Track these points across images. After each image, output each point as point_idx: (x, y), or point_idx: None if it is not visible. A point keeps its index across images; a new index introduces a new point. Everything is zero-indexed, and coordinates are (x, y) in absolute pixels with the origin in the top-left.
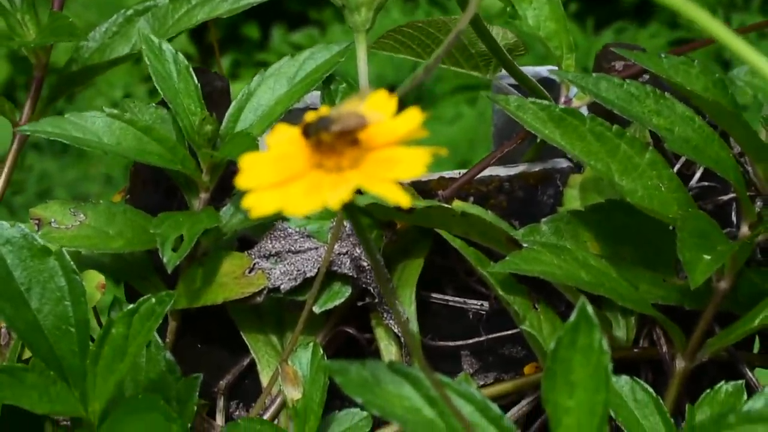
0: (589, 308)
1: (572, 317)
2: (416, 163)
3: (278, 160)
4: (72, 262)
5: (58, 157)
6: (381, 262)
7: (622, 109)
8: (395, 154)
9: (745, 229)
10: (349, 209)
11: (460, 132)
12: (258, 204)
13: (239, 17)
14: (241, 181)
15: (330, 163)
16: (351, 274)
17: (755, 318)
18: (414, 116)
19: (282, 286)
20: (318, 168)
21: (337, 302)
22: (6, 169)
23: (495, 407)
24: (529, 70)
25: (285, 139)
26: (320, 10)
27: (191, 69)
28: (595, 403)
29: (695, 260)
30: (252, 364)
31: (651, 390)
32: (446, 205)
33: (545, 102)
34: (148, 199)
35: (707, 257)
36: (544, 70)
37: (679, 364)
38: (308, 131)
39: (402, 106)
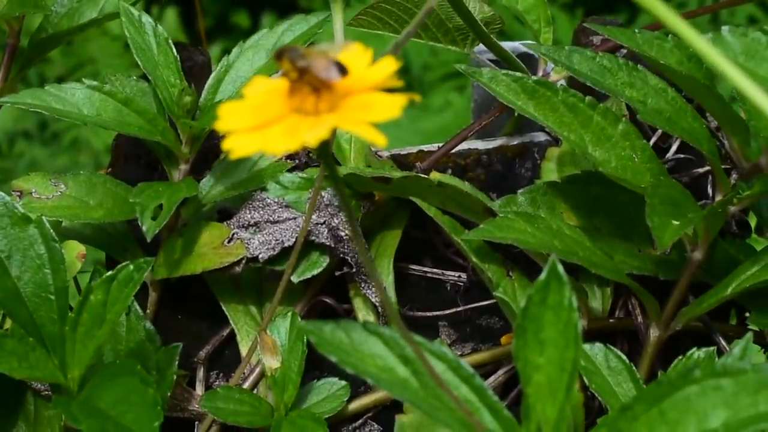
0: (560, 267)
1: (542, 275)
2: (392, 106)
3: (256, 107)
4: (52, 231)
5: (48, 145)
6: (359, 229)
7: (595, 81)
8: (371, 98)
9: (719, 200)
10: (325, 149)
11: (449, 120)
12: (238, 146)
13: (229, 6)
14: (220, 126)
15: (308, 105)
16: (329, 243)
17: (728, 286)
18: (388, 65)
19: (260, 256)
20: (296, 112)
21: (315, 272)
22: None
23: (467, 366)
24: (508, 45)
25: (262, 89)
26: None
27: (170, 41)
28: (565, 359)
29: (664, 225)
30: (231, 335)
31: (624, 357)
32: (423, 176)
33: (518, 74)
34: (129, 173)
35: (676, 223)
36: (521, 46)
37: (654, 333)
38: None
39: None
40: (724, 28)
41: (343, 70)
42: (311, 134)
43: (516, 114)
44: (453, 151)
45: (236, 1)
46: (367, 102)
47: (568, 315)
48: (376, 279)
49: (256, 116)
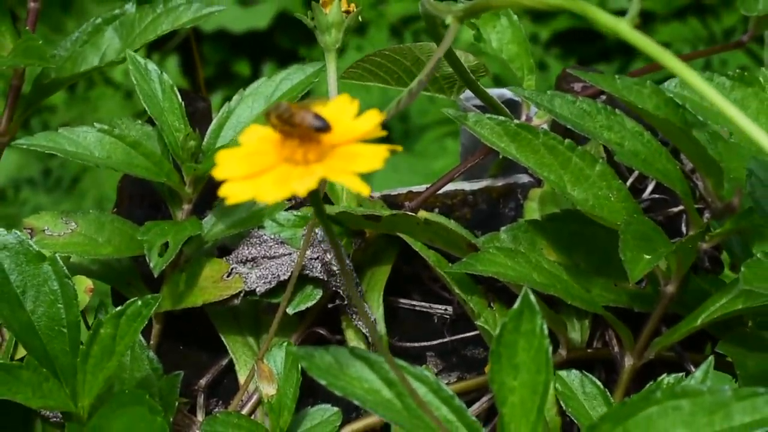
0: (532, 297)
1: (516, 305)
2: (375, 157)
3: (250, 155)
4: (64, 267)
5: (51, 192)
6: (349, 264)
7: (575, 124)
8: (356, 149)
9: (689, 236)
10: (315, 197)
11: (444, 163)
12: (233, 192)
13: (230, 54)
14: (217, 173)
15: (298, 156)
16: (322, 277)
17: (698, 317)
18: (373, 117)
19: (258, 289)
20: (287, 162)
21: (309, 304)
22: None
23: (447, 388)
24: (494, 92)
25: (257, 137)
26: (310, 48)
27: (175, 88)
28: (537, 383)
29: (636, 259)
30: (230, 364)
31: (599, 383)
32: (411, 214)
33: (501, 118)
34: (133, 212)
35: (647, 257)
36: (507, 92)
37: (628, 361)
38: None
39: (389, 140)
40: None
41: (325, 126)
42: (300, 184)
43: (500, 156)
44: (441, 191)
45: (237, 49)
46: (352, 153)
47: (540, 341)
48: (362, 309)
49: (250, 164)
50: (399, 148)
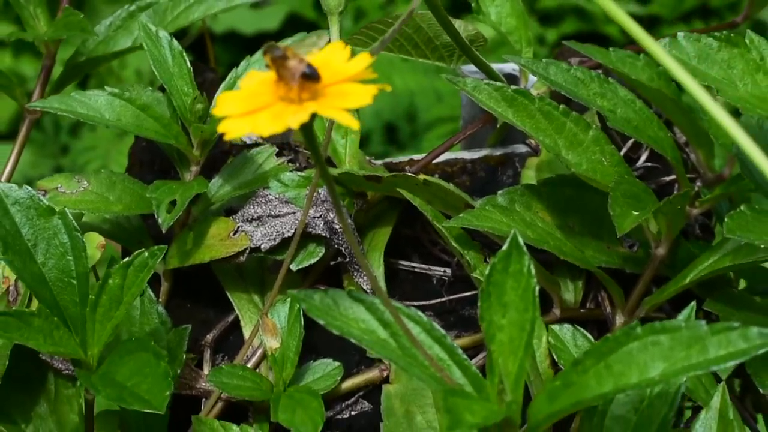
0: (520, 239)
1: (505, 246)
2: (364, 95)
3: (249, 95)
4: (74, 221)
5: None
6: (351, 223)
7: (569, 91)
8: (347, 88)
9: (676, 194)
10: (307, 131)
11: (447, 109)
12: (231, 128)
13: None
14: (216, 111)
15: (292, 95)
16: (325, 234)
17: (687, 276)
18: (363, 59)
19: (263, 246)
20: (282, 101)
21: (312, 261)
22: (17, 147)
23: (439, 328)
24: (495, 66)
25: (256, 81)
26: None
27: (185, 54)
28: (525, 320)
29: (624, 214)
30: (236, 321)
31: (590, 336)
32: (411, 175)
33: (499, 84)
34: (144, 178)
35: (635, 213)
36: (507, 67)
37: (619, 320)
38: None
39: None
40: (680, 34)
41: (314, 74)
42: (294, 119)
43: (498, 126)
44: (441, 160)
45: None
46: (343, 91)
47: (527, 281)
48: (362, 260)
49: (248, 104)
50: (388, 87)
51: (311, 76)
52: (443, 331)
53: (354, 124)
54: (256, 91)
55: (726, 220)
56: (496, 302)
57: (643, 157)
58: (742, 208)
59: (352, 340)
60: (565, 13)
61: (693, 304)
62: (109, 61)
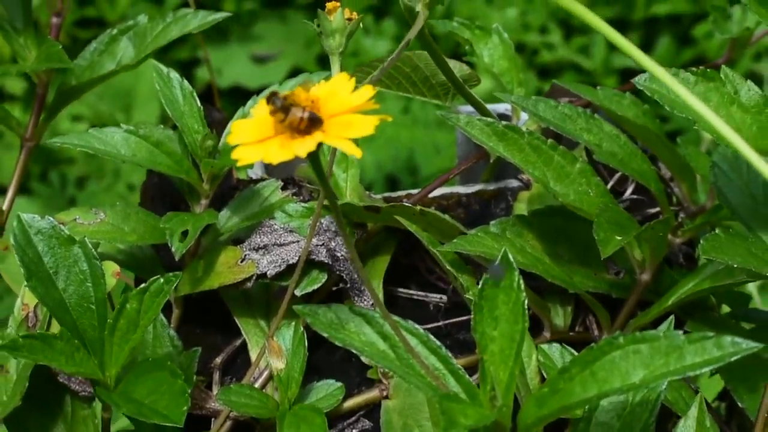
0: (510, 256)
1: (496, 262)
2: (367, 125)
3: (260, 124)
4: (93, 250)
5: None
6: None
7: (557, 126)
8: (351, 119)
9: (657, 220)
10: (314, 159)
11: (446, 161)
12: (244, 155)
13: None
14: (230, 139)
15: (301, 125)
16: (327, 261)
17: (669, 298)
18: (366, 92)
19: (268, 273)
20: (290, 130)
21: (316, 286)
22: (16, 175)
23: (435, 340)
24: (489, 106)
25: (265, 110)
26: None
27: (194, 94)
28: (515, 332)
29: (608, 239)
30: (243, 345)
31: (576, 354)
32: (408, 205)
33: (490, 119)
34: (156, 211)
35: (618, 238)
36: (500, 107)
37: None
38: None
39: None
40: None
41: (315, 120)
42: (301, 147)
43: (491, 162)
44: (437, 194)
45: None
46: (347, 122)
47: (517, 295)
48: (364, 277)
49: (260, 132)
50: (389, 118)
51: (314, 121)
52: (438, 342)
53: (357, 153)
54: (267, 120)
55: (701, 242)
56: (488, 315)
57: (629, 190)
58: (716, 231)
59: (354, 351)
60: (564, 67)
61: (672, 317)
62: (96, 84)
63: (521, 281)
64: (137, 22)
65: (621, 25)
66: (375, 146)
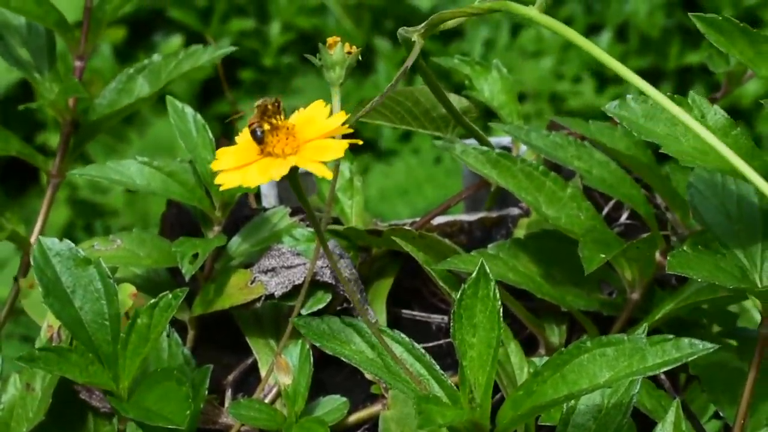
0: (487, 268)
1: (473, 274)
2: (338, 149)
3: (242, 151)
4: (107, 269)
5: None
6: (354, 272)
7: (548, 154)
8: (324, 143)
9: (641, 237)
10: (292, 180)
11: (441, 172)
12: (225, 180)
13: None
14: (214, 165)
15: (277, 150)
16: (331, 282)
17: (656, 315)
18: (339, 117)
19: (276, 293)
20: (268, 156)
21: (321, 306)
22: (44, 207)
23: (419, 347)
24: (491, 139)
25: (248, 137)
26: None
27: (207, 127)
28: (492, 338)
29: (592, 256)
30: (254, 364)
31: None
32: (408, 228)
33: (484, 148)
34: (174, 238)
35: (602, 255)
36: (504, 140)
37: None
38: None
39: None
40: (629, 96)
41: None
42: (277, 171)
43: (492, 191)
44: (442, 222)
45: None
46: (321, 146)
47: (493, 303)
48: (363, 302)
49: (241, 158)
50: (359, 142)
51: (255, 137)
52: (423, 350)
53: (328, 175)
54: (248, 147)
55: (668, 258)
56: (467, 323)
57: (624, 216)
58: (684, 247)
59: (344, 359)
60: (593, 115)
61: (645, 324)
62: (116, 120)
63: (497, 291)
64: (152, 61)
65: (654, 75)
66: (384, 177)
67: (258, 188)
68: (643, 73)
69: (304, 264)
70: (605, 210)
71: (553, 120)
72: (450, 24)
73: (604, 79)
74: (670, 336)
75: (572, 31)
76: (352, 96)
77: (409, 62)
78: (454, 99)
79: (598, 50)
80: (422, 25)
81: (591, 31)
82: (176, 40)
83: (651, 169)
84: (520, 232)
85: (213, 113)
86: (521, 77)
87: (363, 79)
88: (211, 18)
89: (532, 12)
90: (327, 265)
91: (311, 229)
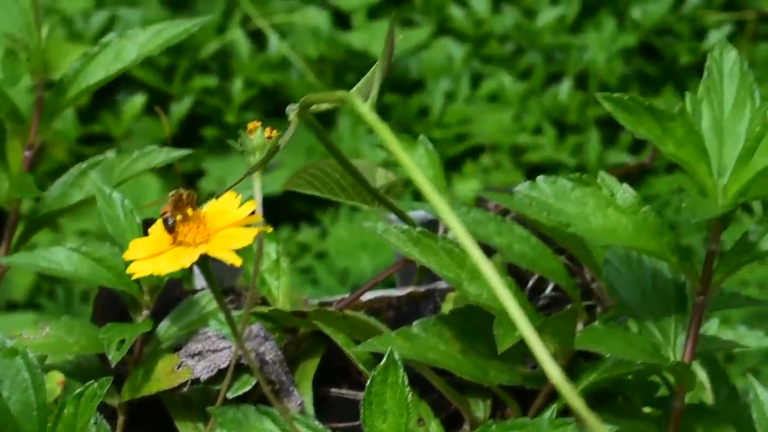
0: (396, 354)
1: (383, 361)
2: (246, 237)
3: (155, 241)
4: (35, 359)
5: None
6: (279, 354)
7: (468, 230)
8: (234, 232)
9: (556, 314)
10: (203, 268)
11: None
12: (137, 269)
13: None
14: (126, 255)
15: (189, 239)
16: (256, 365)
17: (579, 385)
18: (249, 207)
19: (202, 378)
20: (180, 245)
21: (246, 389)
22: None
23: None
24: (416, 213)
25: (161, 228)
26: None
27: (135, 212)
28: (401, 424)
29: (506, 334)
30: None
31: None
32: (332, 310)
33: (405, 226)
34: (105, 323)
35: (516, 333)
36: (429, 215)
37: None
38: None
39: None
40: (539, 177)
41: (167, 225)
42: (187, 259)
43: (419, 266)
44: (372, 298)
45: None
46: (230, 234)
47: (402, 390)
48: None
49: (153, 248)
50: (269, 229)
51: (167, 226)
52: None
53: (237, 261)
54: (161, 237)
55: (578, 334)
56: (377, 409)
57: (549, 288)
58: (595, 324)
59: None
60: (554, 167)
61: (554, 406)
62: (64, 214)
63: (406, 378)
64: (105, 158)
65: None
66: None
67: (191, 270)
68: (603, 122)
69: (230, 347)
70: (531, 282)
71: (480, 195)
72: (322, 107)
73: (564, 128)
74: (570, 419)
75: (392, 138)
76: (315, 150)
77: (284, 139)
78: (381, 173)
79: (414, 167)
80: (296, 105)
81: (551, 80)
82: (139, 99)
83: (574, 239)
84: (447, 306)
85: (177, 172)
86: (481, 129)
87: (327, 133)
88: (174, 76)
89: (364, 108)
90: (251, 349)
91: (237, 313)
